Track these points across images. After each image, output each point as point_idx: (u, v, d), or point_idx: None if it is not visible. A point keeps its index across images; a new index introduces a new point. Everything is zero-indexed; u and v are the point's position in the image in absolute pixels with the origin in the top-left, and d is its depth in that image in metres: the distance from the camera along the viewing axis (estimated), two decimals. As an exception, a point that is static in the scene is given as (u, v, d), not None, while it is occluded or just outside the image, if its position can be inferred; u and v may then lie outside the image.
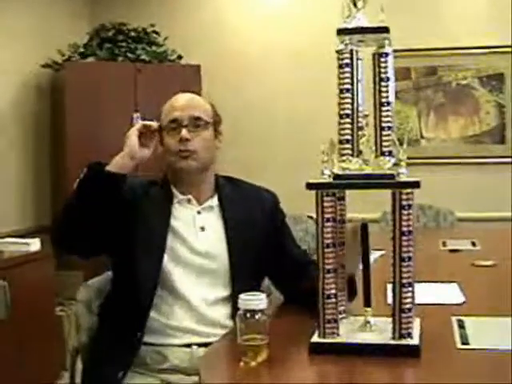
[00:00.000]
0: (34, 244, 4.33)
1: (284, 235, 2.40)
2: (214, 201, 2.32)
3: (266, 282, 2.41)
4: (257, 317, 1.73)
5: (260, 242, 2.26)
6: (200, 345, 2.13)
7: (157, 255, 2.19)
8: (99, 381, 2.13)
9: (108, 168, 2.14)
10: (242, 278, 2.20)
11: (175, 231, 2.24)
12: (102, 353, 2.18)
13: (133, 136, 2.20)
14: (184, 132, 2.22)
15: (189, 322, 2.17)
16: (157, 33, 5.57)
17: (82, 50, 5.34)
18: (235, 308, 1.83)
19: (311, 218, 4.19)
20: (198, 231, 2.26)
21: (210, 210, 2.30)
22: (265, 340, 1.73)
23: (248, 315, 1.74)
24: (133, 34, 5.42)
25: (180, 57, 5.60)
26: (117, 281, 2.30)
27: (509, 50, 5.47)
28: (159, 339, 2.16)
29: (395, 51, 1.85)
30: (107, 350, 2.15)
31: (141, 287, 2.17)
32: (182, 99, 2.31)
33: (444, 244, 3.94)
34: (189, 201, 2.29)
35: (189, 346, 2.16)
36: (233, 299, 2.17)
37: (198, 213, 2.29)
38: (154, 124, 2.24)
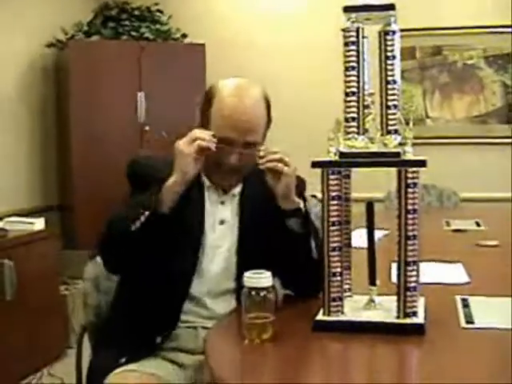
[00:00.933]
0: (39, 223, 4.34)
1: None
2: (238, 188, 2.23)
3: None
4: (262, 294, 1.73)
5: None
6: (205, 328, 2.12)
7: (193, 246, 2.14)
8: (103, 360, 2.12)
9: (163, 198, 1.96)
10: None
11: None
12: (113, 338, 2.15)
13: (189, 160, 1.97)
14: (234, 160, 2.07)
15: (193, 315, 2.16)
16: (161, 11, 5.55)
17: (85, 28, 5.33)
18: (239, 302, 1.82)
19: (315, 197, 4.17)
20: (216, 224, 2.19)
21: (232, 199, 2.22)
22: (270, 318, 1.73)
23: (253, 293, 1.73)
24: (136, 12, 5.41)
25: (184, 35, 5.58)
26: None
27: (515, 29, 5.45)
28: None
29: (400, 31, 1.84)
30: (119, 336, 2.12)
31: (176, 278, 2.11)
32: (241, 115, 2.06)
33: (448, 224, 3.93)
34: (216, 188, 2.20)
35: (194, 328, 2.15)
36: (237, 293, 2.13)
37: (222, 203, 2.21)
38: (212, 146, 1.98)
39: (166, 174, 2.02)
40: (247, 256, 2.13)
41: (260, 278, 1.74)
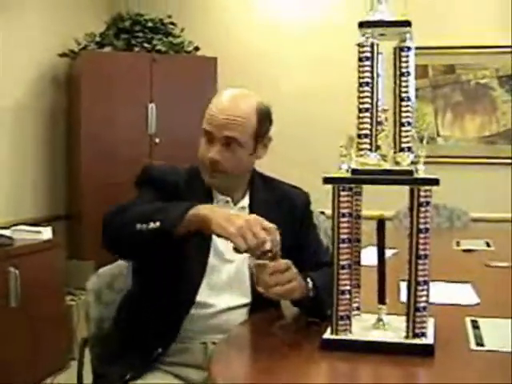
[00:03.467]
0: (46, 232, 4.33)
1: (308, 236, 2.31)
2: (246, 201, 2.23)
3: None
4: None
5: (283, 246, 2.15)
6: (215, 343, 2.09)
7: (202, 258, 2.12)
8: (107, 377, 2.09)
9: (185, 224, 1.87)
10: None
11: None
12: (115, 351, 2.13)
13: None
14: (212, 153, 2.09)
15: (206, 327, 2.13)
16: (174, 24, 5.55)
17: (98, 39, 5.34)
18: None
19: (323, 213, 4.15)
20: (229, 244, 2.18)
21: (241, 211, 2.19)
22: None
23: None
24: (150, 24, 5.40)
25: (197, 48, 5.57)
26: (147, 280, 2.19)
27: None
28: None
29: (413, 48, 1.82)
30: (122, 352, 2.10)
31: (183, 287, 2.09)
32: (223, 110, 2.09)
33: (458, 244, 3.91)
34: (227, 201, 2.19)
35: (204, 343, 2.13)
36: (251, 307, 2.15)
37: None
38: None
39: (181, 177, 2.12)
40: None
41: None
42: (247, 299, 2.16)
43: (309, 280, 1.99)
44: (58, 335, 4.29)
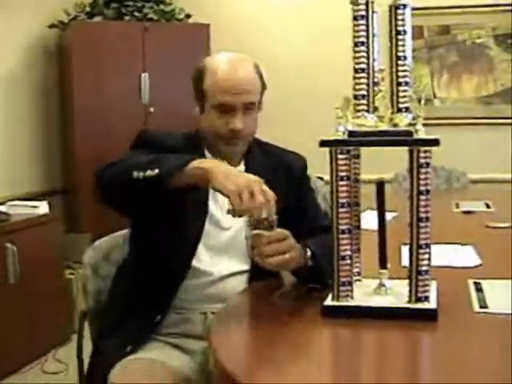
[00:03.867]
0: (43, 207, 4.30)
1: (306, 200, 2.29)
2: (241, 167, 2.20)
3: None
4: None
5: (281, 211, 2.12)
6: (214, 313, 2.06)
7: (198, 223, 2.09)
8: (107, 350, 2.07)
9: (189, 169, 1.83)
10: None
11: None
12: (113, 324, 2.10)
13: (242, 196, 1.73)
14: (238, 122, 2.07)
15: (205, 296, 2.11)
16: (164, -9, 5.48)
17: (88, 9, 5.26)
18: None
19: (321, 179, 4.10)
20: (225, 204, 2.15)
21: None
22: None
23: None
24: (140, -8, 5.32)
25: (188, 16, 5.50)
26: (143, 246, 2.18)
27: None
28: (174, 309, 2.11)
29: (410, 7, 1.78)
30: (121, 323, 2.07)
31: (179, 251, 2.07)
32: (235, 77, 2.08)
33: (457, 206, 3.88)
34: None
35: (204, 313, 2.11)
36: (250, 273, 2.13)
37: None
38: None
39: (178, 141, 2.12)
40: None
41: None
42: (246, 266, 2.14)
43: (308, 250, 1.96)
44: (57, 310, 4.28)
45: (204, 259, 2.11)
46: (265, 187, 1.75)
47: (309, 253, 1.95)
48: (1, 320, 3.77)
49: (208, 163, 1.84)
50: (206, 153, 2.18)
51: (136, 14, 5.22)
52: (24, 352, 3.95)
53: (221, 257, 2.13)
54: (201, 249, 2.10)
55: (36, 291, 4.07)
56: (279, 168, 2.24)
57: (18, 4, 4.89)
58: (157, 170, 1.81)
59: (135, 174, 1.84)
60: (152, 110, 5.14)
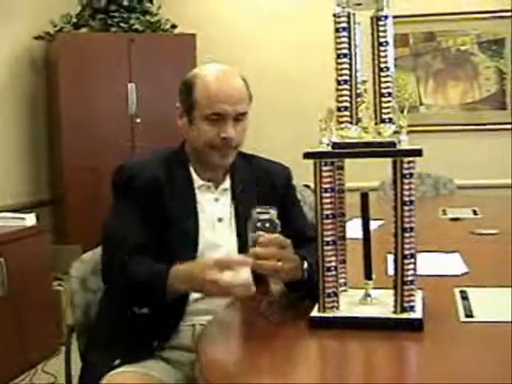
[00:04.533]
0: (30, 218, 4.28)
1: (291, 212, 2.27)
2: (227, 182, 2.20)
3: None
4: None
5: None
6: (203, 325, 2.06)
7: (192, 248, 2.10)
8: (96, 363, 2.05)
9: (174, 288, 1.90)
10: None
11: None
12: (104, 340, 2.10)
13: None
14: (230, 131, 2.07)
15: (193, 310, 2.11)
16: (150, 1, 5.48)
17: (74, 20, 5.26)
18: None
19: (308, 187, 4.10)
20: (215, 222, 2.16)
21: (223, 193, 2.18)
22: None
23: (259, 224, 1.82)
24: (125, 3, 5.31)
25: (174, 26, 5.51)
26: None
27: (509, 14, 5.39)
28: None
29: (393, 17, 1.78)
30: (111, 341, 2.06)
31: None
32: (228, 87, 2.09)
33: (444, 212, 3.89)
34: (208, 187, 2.17)
35: (192, 325, 2.10)
36: None
37: (216, 200, 2.17)
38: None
39: (159, 170, 2.11)
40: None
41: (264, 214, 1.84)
42: None
43: (305, 262, 1.95)
44: (46, 321, 4.26)
45: None
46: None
47: (305, 265, 1.95)
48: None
49: (176, 284, 1.88)
50: (191, 169, 2.17)
51: (122, 24, 5.23)
52: (13, 364, 3.93)
53: None
54: None
55: (24, 303, 4.05)
56: (263, 180, 2.24)
57: (4, 15, 4.87)
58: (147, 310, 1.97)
59: (134, 308, 2.00)
60: (139, 120, 5.14)
